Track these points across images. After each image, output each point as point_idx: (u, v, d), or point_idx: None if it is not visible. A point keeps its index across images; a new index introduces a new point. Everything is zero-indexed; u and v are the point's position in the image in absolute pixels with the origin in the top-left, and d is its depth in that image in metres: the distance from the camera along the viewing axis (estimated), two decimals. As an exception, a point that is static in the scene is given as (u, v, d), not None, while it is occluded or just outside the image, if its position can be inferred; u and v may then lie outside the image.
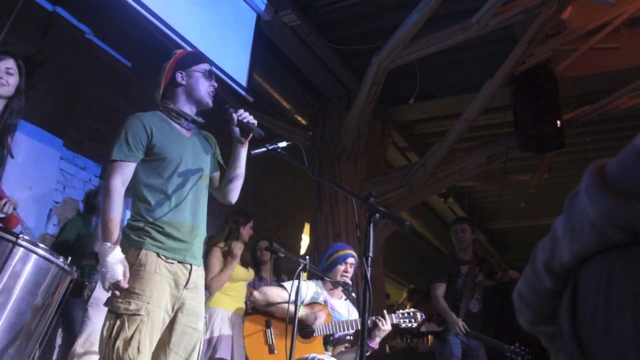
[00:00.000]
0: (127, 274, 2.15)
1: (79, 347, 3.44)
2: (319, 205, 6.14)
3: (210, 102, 2.51)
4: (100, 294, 3.53)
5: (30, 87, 4.49)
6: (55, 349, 4.46)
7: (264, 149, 2.53)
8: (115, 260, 2.12)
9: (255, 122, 2.42)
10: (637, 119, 6.54)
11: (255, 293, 3.63)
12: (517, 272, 4.76)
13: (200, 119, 2.52)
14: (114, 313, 2.15)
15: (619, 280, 0.58)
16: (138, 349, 2.09)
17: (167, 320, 2.24)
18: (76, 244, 4.20)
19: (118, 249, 2.16)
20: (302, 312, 3.40)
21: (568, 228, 0.63)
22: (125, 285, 2.13)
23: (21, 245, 2.45)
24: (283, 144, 2.59)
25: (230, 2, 4.98)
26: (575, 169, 7.87)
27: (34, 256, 2.51)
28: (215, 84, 2.54)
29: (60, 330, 4.46)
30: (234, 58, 4.97)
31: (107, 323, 2.16)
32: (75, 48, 4.89)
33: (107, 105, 5.20)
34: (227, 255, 4.11)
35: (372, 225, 2.22)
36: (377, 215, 2.25)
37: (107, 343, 2.11)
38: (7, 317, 2.41)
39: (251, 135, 2.41)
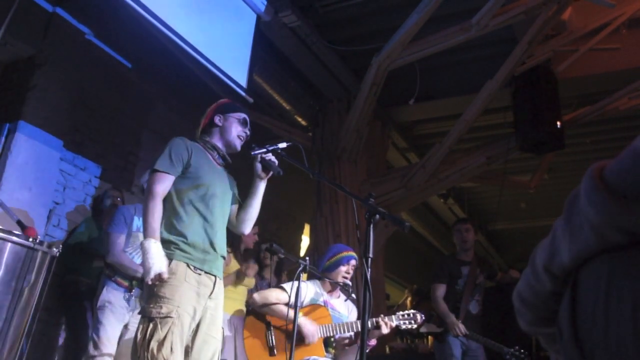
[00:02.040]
0: (166, 269, 2.34)
1: (91, 349, 3.47)
2: (319, 206, 6.14)
3: (238, 146, 2.79)
4: (109, 297, 3.54)
5: (30, 87, 4.50)
6: (56, 350, 4.46)
7: (264, 150, 2.61)
8: (160, 254, 2.34)
9: (277, 161, 2.70)
10: (637, 119, 6.54)
11: (255, 295, 3.63)
12: (518, 272, 4.76)
13: (228, 158, 2.79)
14: (147, 317, 2.34)
15: (619, 281, 0.58)
16: (171, 348, 2.27)
17: (193, 326, 2.43)
18: (88, 246, 4.22)
19: (160, 245, 2.37)
20: (300, 319, 3.38)
21: (568, 230, 0.63)
22: (166, 276, 2.32)
23: None
24: (283, 145, 2.68)
25: (230, 2, 4.98)
26: (575, 170, 7.87)
27: (8, 245, 2.63)
28: (248, 132, 2.82)
29: (61, 330, 4.46)
30: (233, 59, 4.97)
31: (141, 327, 2.34)
32: (76, 49, 4.89)
33: (107, 106, 5.20)
34: (234, 258, 4.17)
35: (372, 226, 2.23)
36: (377, 216, 2.25)
37: (142, 345, 2.28)
38: None
39: (271, 173, 2.69)
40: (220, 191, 2.66)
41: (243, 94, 5.01)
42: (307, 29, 5.33)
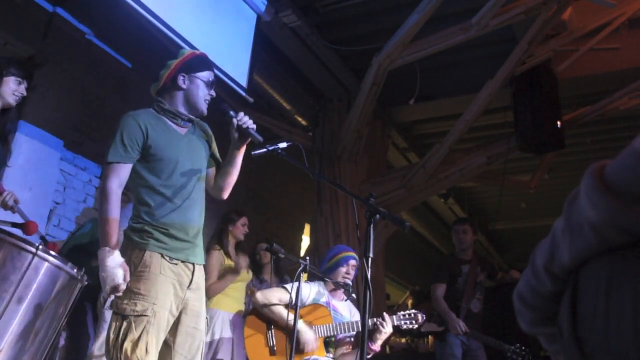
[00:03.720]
0: (127, 277, 2.14)
1: (96, 350, 3.45)
2: (319, 206, 6.14)
3: (205, 110, 2.49)
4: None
5: (31, 88, 4.49)
6: (57, 350, 4.46)
7: (264, 150, 2.54)
8: (115, 264, 2.11)
9: (255, 126, 2.42)
10: (637, 119, 6.54)
11: (258, 294, 3.61)
12: (519, 273, 4.76)
13: (194, 117, 2.50)
14: (120, 315, 2.16)
15: (619, 281, 0.58)
16: (146, 349, 2.11)
17: (171, 321, 2.25)
18: (90, 246, 4.22)
19: (117, 253, 2.15)
20: (299, 325, 3.37)
21: (568, 230, 0.63)
22: (123, 287, 2.12)
23: (39, 256, 2.37)
24: (283, 145, 2.59)
25: (230, 2, 4.98)
26: (575, 170, 7.86)
27: (46, 264, 2.43)
28: (214, 94, 2.52)
29: (63, 331, 4.46)
30: (234, 59, 4.97)
31: (114, 325, 2.16)
32: (76, 49, 4.89)
33: (107, 105, 5.20)
34: (225, 255, 4.14)
35: (372, 225, 2.22)
36: (378, 215, 2.25)
37: (115, 345, 2.12)
38: (17, 324, 2.37)
39: (249, 140, 2.42)
40: (190, 163, 2.40)
41: (243, 93, 5.02)
42: (307, 28, 5.33)
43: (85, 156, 4.96)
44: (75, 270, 2.54)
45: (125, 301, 2.16)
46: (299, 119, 6.59)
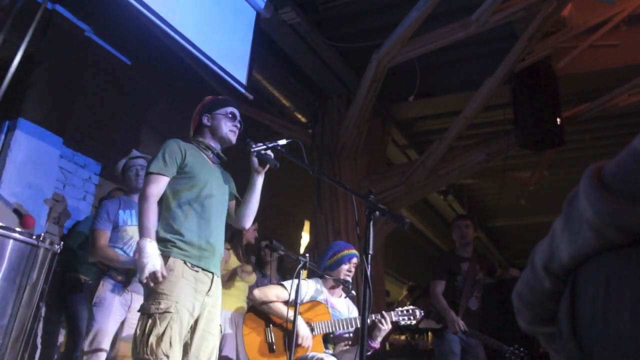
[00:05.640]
0: (164, 270, 2.38)
1: (86, 346, 3.46)
2: (319, 203, 6.14)
3: (233, 139, 2.81)
4: (105, 294, 3.53)
5: (30, 85, 4.49)
6: (56, 347, 4.47)
7: (264, 147, 2.61)
8: (155, 253, 2.37)
9: (272, 154, 2.72)
10: (637, 116, 6.54)
11: (256, 291, 3.62)
12: (518, 271, 4.76)
13: (224, 156, 2.82)
14: (146, 314, 2.37)
15: (618, 281, 0.58)
16: (170, 343, 2.30)
17: (190, 323, 2.45)
18: (87, 244, 4.22)
19: (156, 245, 2.41)
20: (299, 320, 3.38)
21: (567, 229, 0.63)
22: (162, 274, 2.35)
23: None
24: (283, 142, 2.68)
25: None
26: (575, 167, 7.87)
27: (10, 242, 2.67)
28: (238, 125, 2.83)
29: (61, 327, 4.47)
30: (233, 56, 4.97)
31: (140, 323, 2.37)
32: (75, 46, 4.89)
33: (106, 103, 5.20)
34: (235, 255, 4.17)
35: (372, 222, 2.23)
36: (377, 212, 2.25)
37: (141, 340, 2.31)
38: None
39: (268, 166, 2.70)
40: (217, 190, 2.69)
41: (243, 90, 5.01)
42: (306, 26, 5.33)
43: (85, 153, 4.96)
44: (35, 239, 2.71)
45: (150, 302, 2.38)
46: (299, 116, 6.59)
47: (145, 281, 2.34)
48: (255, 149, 2.65)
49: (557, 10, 4.88)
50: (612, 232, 0.57)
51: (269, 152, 2.69)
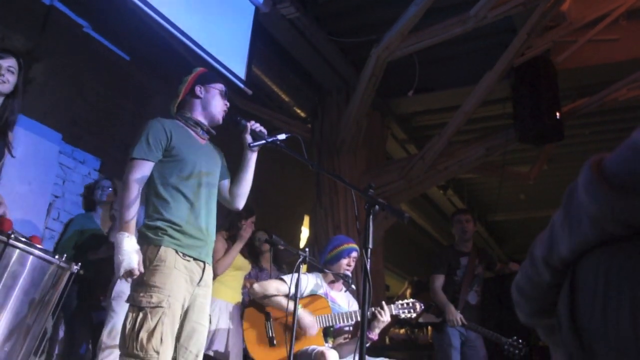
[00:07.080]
0: (142, 267, 2.26)
1: (105, 338, 3.49)
2: (319, 198, 6.14)
3: (221, 119, 2.70)
4: (123, 287, 3.54)
5: (29, 81, 4.48)
6: (55, 345, 4.47)
7: (264, 141, 2.59)
8: (132, 249, 2.25)
9: (266, 131, 2.64)
10: (636, 110, 6.53)
11: (256, 286, 3.63)
12: (517, 265, 4.77)
13: (213, 131, 2.70)
14: (137, 307, 2.26)
15: (617, 273, 0.59)
16: (161, 339, 2.21)
17: (181, 314, 2.36)
18: (82, 243, 4.23)
19: (134, 239, 2.28)
20: (299, 310, 3.39)
21: (566, 222, 0.64)
22: (137, 273, 2.23)
23: (14, 246, 2.50)
24: (282, 137, 2.66)
25: (228, -6, 4.96)
26: (574, 161, 7.86)
27: (30, 257, 2.57)
28: (228, 104, 2.73)
29: (61, 326, 4.47)
30: (232, 51, 4.95)
31: (130, 316, 2.26)
32: (74, 42, 4.88)
33: (105, 99, 5.19)
34: (231, 240, 4.14)
35: (371, 217, 2.23)
36: (377, 207, 2.25)
37: (131, 335, 2.21)
38: (5, 316, 2.47)
39: (262, 141, 2.60)
40: (207, 169, 2.57)
41: (242, 86, 5.00)
42: (305, 20, 5.32)
43: (84, 149, 4.95)
44: (58, 258, 2.66)
45: (141, 294, 2.27)
46: (298, 111, 6.58)
47: (120, 279, 2.25)
48: (254, 144, 2.62)
49: (556, 5, 4.87)
50: (611, 225, 0.58)
51: (262, 129, 2.64)
